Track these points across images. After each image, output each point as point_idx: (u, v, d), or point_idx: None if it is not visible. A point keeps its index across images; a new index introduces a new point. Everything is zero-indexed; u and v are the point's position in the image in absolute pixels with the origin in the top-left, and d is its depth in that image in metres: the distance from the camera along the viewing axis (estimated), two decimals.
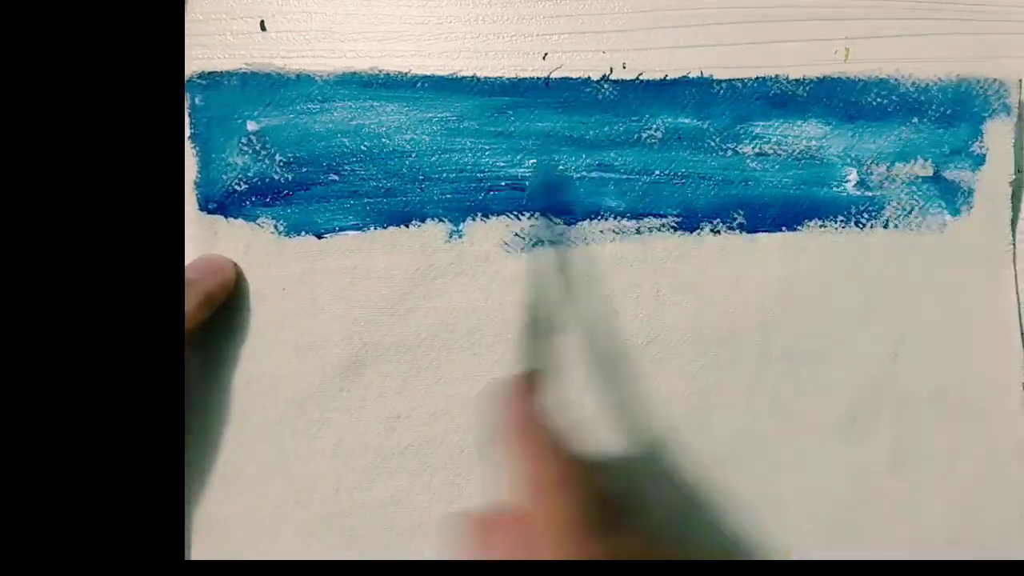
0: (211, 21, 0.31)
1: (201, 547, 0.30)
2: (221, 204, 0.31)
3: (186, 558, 0.30)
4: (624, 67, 0.31)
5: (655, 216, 0.31)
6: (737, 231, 0.31)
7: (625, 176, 0.31)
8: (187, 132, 0.31)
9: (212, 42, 0.31)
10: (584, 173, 0.31)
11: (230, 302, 0.31)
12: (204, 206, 0.31)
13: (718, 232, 0.31)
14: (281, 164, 0.31)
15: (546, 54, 0.31)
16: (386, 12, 0.32)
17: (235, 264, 0.31)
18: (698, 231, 0.31)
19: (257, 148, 0.31)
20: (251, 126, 0.31)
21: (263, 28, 0.31)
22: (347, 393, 0.31)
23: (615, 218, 0.31)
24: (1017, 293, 0.31)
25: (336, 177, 0.31)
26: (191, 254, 0.31)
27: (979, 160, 0.31)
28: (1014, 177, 0.31)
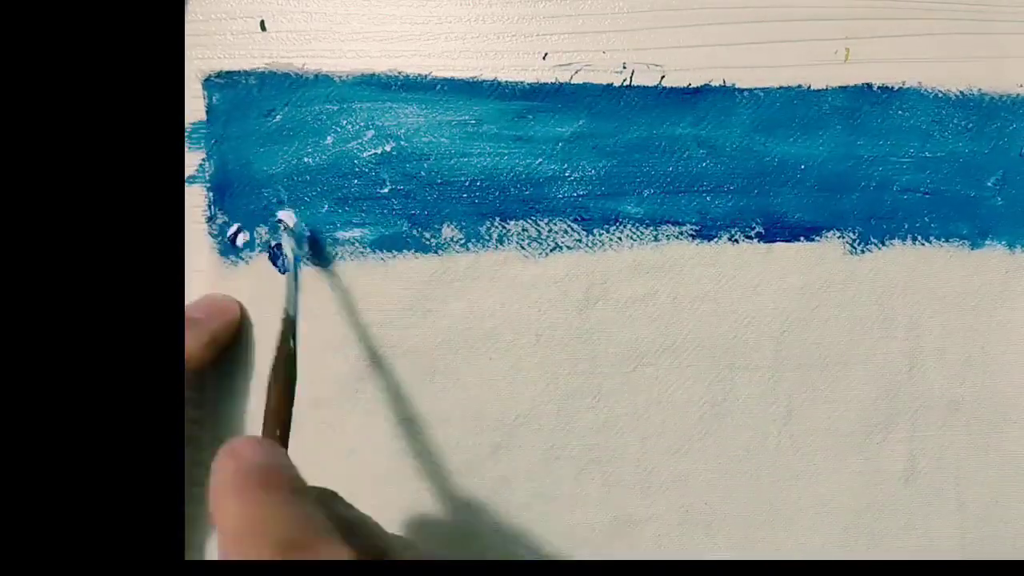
0: (211, 21, 0.31)
1: (215, 549, 0.30)
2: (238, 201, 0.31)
3: (202, 559, 0.30)
4: (625, 67, 0.31)
5: (673, 223, 0.31)
6: (755, 240, 0.31)
7: (644, 183, 0.31)
8: (203, 130, 0.31)
9: (212, 42, 0.31)
10: (603, 179, 0.31)
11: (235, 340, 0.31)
12: (220, 202, 0.31)
13: (736, 241, 0.31)
14: (298, 164, 0.31)
15: (546, 54, 0.31)
16: (387, 12, 0.31)
17: (239, 304, 0.31)
18: (716, 239, 0.31)
19: (274, 147, 0.31)
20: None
21: (263, 28, 0.31)
22: (362, 395, 0.31)
23: (633, 225, 0.31)
24: None
25: (351, 178, 0.31)
26: (207, 255, 0.31)
27: (998, 173, 0.31)
28: None
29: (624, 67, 0.30)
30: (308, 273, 0.31)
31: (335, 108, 0.31)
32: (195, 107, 0.31)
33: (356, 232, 0.31)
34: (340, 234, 0.31)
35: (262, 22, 0.31)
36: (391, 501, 0.31)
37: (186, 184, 0.31)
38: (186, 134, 0.31)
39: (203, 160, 0.31)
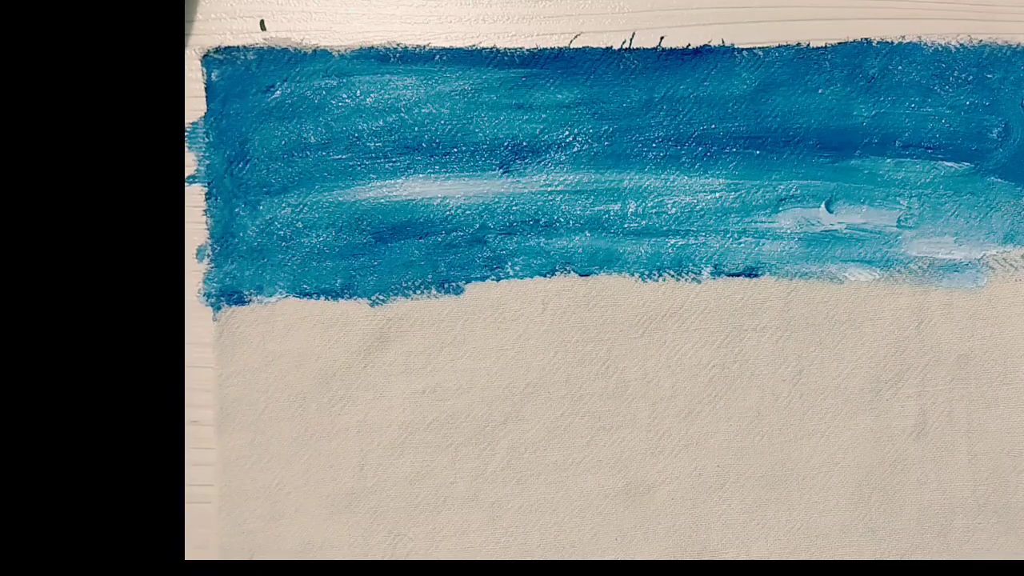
0: (211, 21, 0.31)
1: (227, 522, 0.30)
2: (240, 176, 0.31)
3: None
4: (633, 37, 0.30)
5: (676, 186, 0.31)
6: (760, 199, 0.31)
7: (646, 146, 0.31)
8: (204, 108, 0.31)
9: (212, 42, 0.31)
10: (605, 144, 0.31)
11: None
12: (219, 181, 0.31)
13: (740, 202, 0.31)
14: (299, 139, 0.31)
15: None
16: (387, 12, 0.31)
17: None
18: (720, 201, 0.31)
19: (274, 123, 0.31)
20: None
21: (263, 28, 0.31)
22: (372, 369, 0.31)
23: (636, 189, 0.31)
24: None
25: (353, 152, 0.31)
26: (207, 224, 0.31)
27: (1001, 125, 0.31)
28: None
29: (633, 36, 0.30)
30: (309, 254, 0.31)
31: (335, 83, 0.31)
32: (194, 107, 0.31)
33: (357, 206, 0.31)
34: (339, 209, 0.31)
35: (262, 22, 0.31)
36: (402, 472, 0.31)
37: (186, 184, 0.31)
38: (186, 133, 0.31)
39: (202, 156, 0.31)
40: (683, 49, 0.31)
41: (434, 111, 0.31)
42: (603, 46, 0.31)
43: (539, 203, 0.31)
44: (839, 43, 0.31)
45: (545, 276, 0.31)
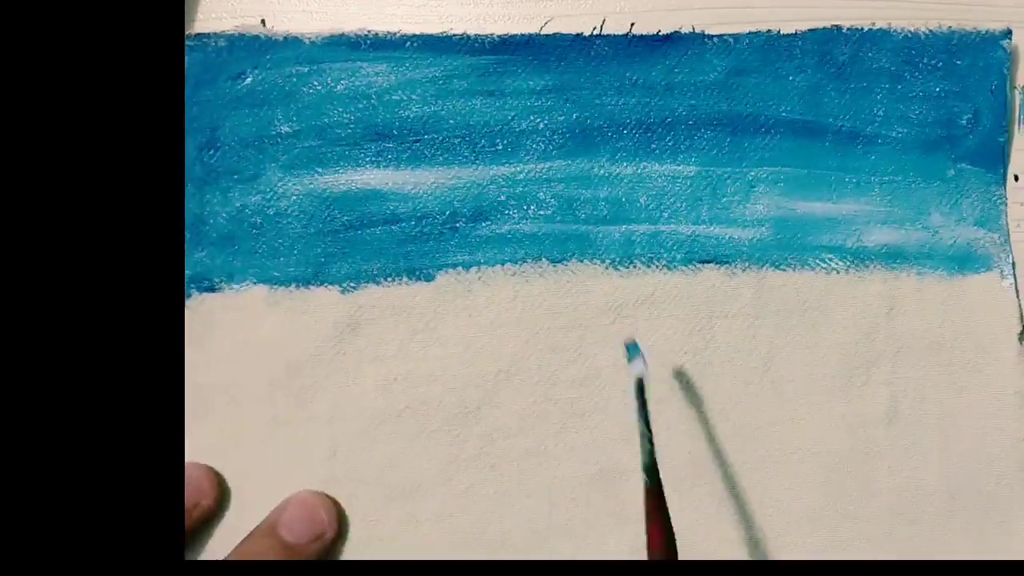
0: (211, 20, 0.31)
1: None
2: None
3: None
4: (604, 23, 0.30)
5: (647, 173, 0.31)
6: (729, 187, 0.31)
7: (617, 134, 0.31)
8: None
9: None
10: (577, 131, 0.31)
11: None
12: (190, 169, 0.31)
13: (711, 188, 0.31)
14: (270, 127, 0.31)
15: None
16: (389, 12, 0.31)
17: (217, 484, 0.30)
18: (691, 188, 0.31)
19: (245, 110, 0.31)
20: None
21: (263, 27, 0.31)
22: (342, 356, 0.31)
23: (607, 176, 0.31)
24: (1010, 243, 0.31)
25: (324, 140, 0.31)
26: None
27: (971, 111, 0.31)
28: (1005, 130, 0.31)
29: (604, 23, 0.30)
30: (280, 241, 0.31)
31: (305, 70, 0.31)
32: None
33: (327, 193, 0.31)
34: (309, 196, 0.31)
35: (262, 21, 0.31)
36: (375, 460, 0.31)
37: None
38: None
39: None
40: (653, 35, 0.31)
41: (405, 98, 0.31)
42: (573, 32, 0.31)
43: (510, 190, 0.31)
44: (809, 30, 0.31)
45: (516, 263, 0.31)
